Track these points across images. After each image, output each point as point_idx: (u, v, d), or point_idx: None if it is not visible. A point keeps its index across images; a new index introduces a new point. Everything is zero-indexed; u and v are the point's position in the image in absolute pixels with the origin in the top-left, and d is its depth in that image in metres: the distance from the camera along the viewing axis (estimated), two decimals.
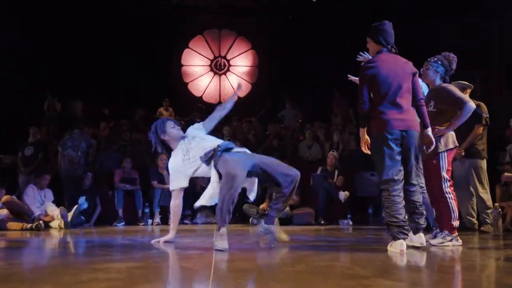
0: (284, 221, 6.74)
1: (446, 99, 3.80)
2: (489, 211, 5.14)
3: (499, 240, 4.45)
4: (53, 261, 3.19)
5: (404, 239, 3.21)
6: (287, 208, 6.90)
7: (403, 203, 3.28)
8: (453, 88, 3.88)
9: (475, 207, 5.29)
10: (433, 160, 3.73)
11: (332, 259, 3.12)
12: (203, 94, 13.21)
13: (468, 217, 5.25)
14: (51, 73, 9.99)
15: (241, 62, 13.44)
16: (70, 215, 6.34)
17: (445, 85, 3.89)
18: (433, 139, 3.44)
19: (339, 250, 3.73)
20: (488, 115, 5.21)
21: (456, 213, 3.69)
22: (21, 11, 9.65)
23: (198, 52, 13.34)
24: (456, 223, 3.68)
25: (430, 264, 2.97)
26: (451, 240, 3.65)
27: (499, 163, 6.67)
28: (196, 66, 13.29)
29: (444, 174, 3.72)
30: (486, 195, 5.21)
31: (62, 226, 6.25)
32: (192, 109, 11.28)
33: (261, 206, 7.03)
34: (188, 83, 13.17)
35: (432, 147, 3.46)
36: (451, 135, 3.84)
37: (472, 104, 3.73)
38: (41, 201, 6.67)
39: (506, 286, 2.21)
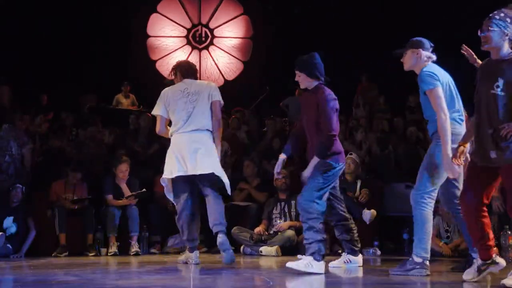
0: (288, 250, 6.70)
1: None
2: None
3: None
4: None
5: None
6: (292, 232, 6.86)
7: None
8: None
9: None
10: None
11: None
12: None
13: None
14: None
15: (229, 33, 13.44)
16: None
17: None
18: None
19: None
20: None
21: None
22: None
23: (170, 19, 13.32)
24: None
25: None
26: None
27: None
28: (167, 37, 13.28)
29: None
30: None
31: None
32: None
33: (257, 230, 6.99)
34: (156, 61, 13.17)
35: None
36: None
37: None
38: None
39: None
